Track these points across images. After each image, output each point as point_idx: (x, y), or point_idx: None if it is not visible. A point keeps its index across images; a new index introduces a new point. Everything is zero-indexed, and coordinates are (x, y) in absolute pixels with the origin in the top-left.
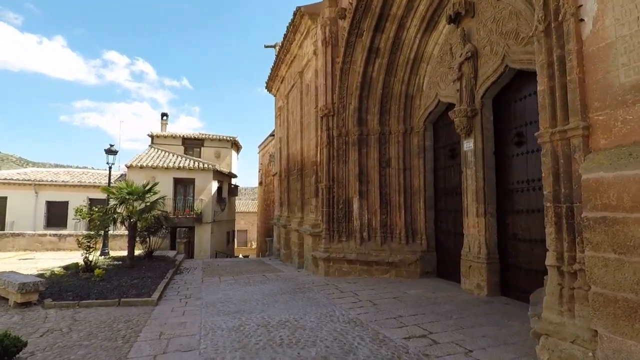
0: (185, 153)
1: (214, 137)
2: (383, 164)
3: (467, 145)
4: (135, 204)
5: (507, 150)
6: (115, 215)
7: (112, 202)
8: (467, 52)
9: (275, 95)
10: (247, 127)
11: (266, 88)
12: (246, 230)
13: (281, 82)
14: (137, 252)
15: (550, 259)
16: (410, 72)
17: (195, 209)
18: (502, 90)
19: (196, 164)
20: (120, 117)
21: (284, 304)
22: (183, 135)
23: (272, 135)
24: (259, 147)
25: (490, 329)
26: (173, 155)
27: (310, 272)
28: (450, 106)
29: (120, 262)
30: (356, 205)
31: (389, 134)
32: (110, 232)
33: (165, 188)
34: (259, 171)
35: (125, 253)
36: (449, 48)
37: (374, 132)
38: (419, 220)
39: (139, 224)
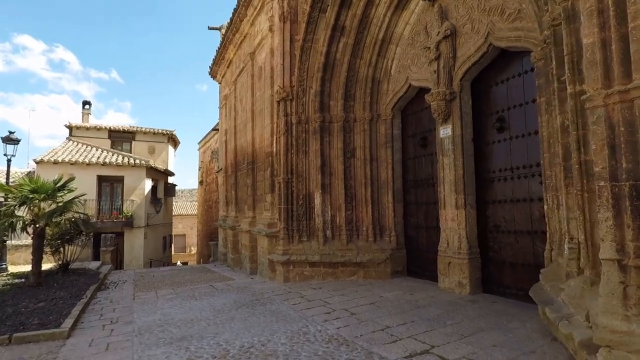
0: (112, 148)
1: (148, 130)
2: (347, 155)
3: (444, 131)
4: (43, 204)
5: (487, 137)
6: (14, 220)
7: (10, 203)
8: (445, 30)
9: (220, 82)
10: (185, 126)
11: (210, 74)
12: (184, 235)
13: (227, 67)
14: (47, 266)
15: (607, 252)
16: (378, 54)
17: (125, 211)
18: (481, 72)
19: (126, 159)
20: (32, 108)
21: (242, 322)
22: (110, 128)
23: (215, 129)
24: (199, 143)
25: (494, 334)
26: (97, 150)
27: (266, 278)
28: (422, 91)
29: (23, 280)
30: (318, 200)
31: (353, 122)
32: (12, 242)
33: (87, 187)
34: (199, 169)
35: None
36: (422, 27)
37: (338, 119)
38: (387, 215)
39: (48, 230)
